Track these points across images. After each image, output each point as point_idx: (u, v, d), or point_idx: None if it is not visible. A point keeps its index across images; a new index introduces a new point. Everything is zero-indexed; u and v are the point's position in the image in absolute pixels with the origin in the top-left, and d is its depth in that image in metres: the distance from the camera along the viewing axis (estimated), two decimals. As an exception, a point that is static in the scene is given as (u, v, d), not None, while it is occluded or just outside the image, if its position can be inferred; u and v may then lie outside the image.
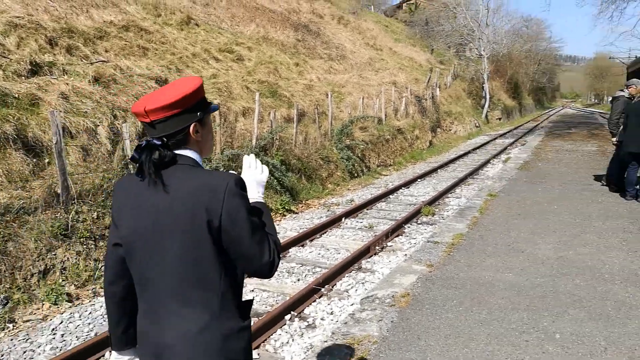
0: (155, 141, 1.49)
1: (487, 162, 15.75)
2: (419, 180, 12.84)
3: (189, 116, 1.53)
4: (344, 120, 14.84)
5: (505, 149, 19.56)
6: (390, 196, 10.76)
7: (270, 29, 20.90)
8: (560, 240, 5.62)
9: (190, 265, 1.49)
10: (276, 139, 10.65)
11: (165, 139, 1.50)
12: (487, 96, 36.36)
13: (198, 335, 1.49)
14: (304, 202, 10.21)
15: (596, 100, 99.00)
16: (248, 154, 1.88)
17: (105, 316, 4.51)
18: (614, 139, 8.38)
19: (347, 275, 5.85)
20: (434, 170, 14.39)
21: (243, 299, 1.62)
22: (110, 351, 2.06)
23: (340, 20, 32.93)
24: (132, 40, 11.46)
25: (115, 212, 1.61)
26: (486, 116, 36.18)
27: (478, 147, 20.38)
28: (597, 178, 9.77)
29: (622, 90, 8.62)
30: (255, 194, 1.68)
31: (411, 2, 55.27)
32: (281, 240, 7.22)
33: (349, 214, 8.77)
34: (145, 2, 14.44)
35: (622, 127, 7.87)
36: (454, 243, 5.53)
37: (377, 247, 6.77)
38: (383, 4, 59.27)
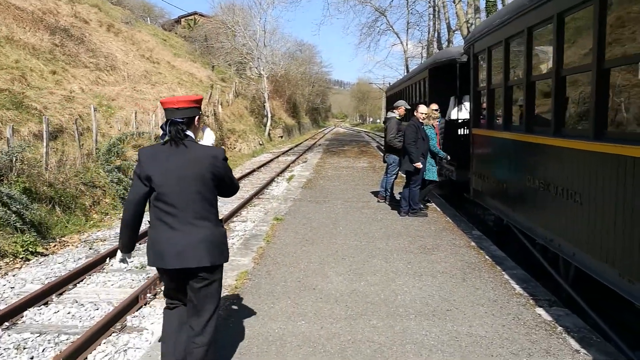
0: (178, 119, 2.76)
1: (272, 180, 15.60)
2: (123, 262, 11.77)
3: (197, 110, 2.88)
4: (112, 137, 12.90)
5: (288, 166, 19.89)
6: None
7: (17, 29, 17.41)
8: (351, 269, 5.26)
9: (202, 198, 2.78)
10: (16, 161, 8.40)
11: (184, 120, 2.78)
12: (269, 114, 37.36)
13: (208, 235, 2.78)
14: (58, 239, 8.20)
15: (361, 120, 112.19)
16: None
17: None
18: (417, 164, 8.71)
19: (104, 341, 4.48)
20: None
21: None
22: (117, 253, 3.10)
23: (110, 28, 29.83)
24: None
25: (148, 170, 2.72)
26: (269, 134, 37.12)
27: (263, 165, 20.32)
28: (374, 193, 10.19)
29: (392, 112, 9.08)
30: None
31: (190, 18, 54.19)
32: (15, 300, 5.40)
33: (116, 252, 7.23)
34: None
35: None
36: (238, 286, 4.68)
37: (148, 295, 5.52)
38: (160, 18, 56.91)
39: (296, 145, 34.38)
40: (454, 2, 29.51)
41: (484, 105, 7.61)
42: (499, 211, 6.56)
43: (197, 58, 40.97)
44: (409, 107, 8.95)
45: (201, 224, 2.75)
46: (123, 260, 3.10)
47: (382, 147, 28.51)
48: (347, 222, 7.55)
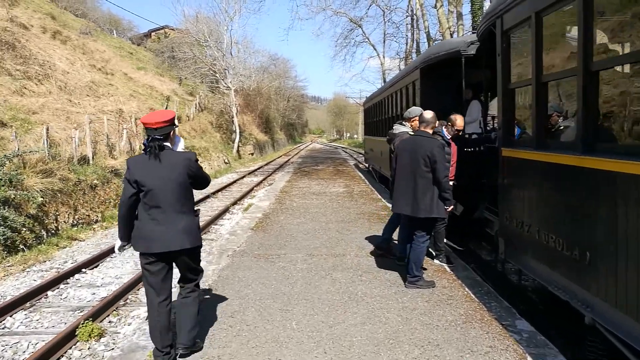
0: (158, 137, 3.39)
1: (226, 210, 12.58)
2: (121, 249, 8.68)
3: (172, 126, 3.49)
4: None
5: (251, 190, 16.88)
6: (50, 292, 6.37)
7: None
8: None
9: (182, 196, 3.45)
10: None
11: (162, 137, 3.41)
12: (238, 130, 34.37)
13: (187, 225, 3.45)
14: None
15: (338, 136, 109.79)
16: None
17: None
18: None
19: None
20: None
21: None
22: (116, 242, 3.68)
23: (57, 35, 26.61)
24: None
25: (137, 176, 3.37)
26: (238, 151, 34.10)
27: (222, 189, 17.28)
28: (350, 240, 7.28)
29: (402, 124, 6.22)
30: None
31: (160, 31, 51.80)
32: None
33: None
34: None
35: None
36: None
37: None
38: (129, 31, 54.42)
39: (267, 164, 31.38)
40: (435, 7, 27.26)
41: (520, 111, 4.82)
42: (570, 296, 3.71)
43: (164, 72, 38.09)
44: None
45: (181, 216, 3.45)
46: (121, 248, 3.69)
47: (362, 166, 25.89)
48: (307, 306, 4.58)
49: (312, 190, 13.85)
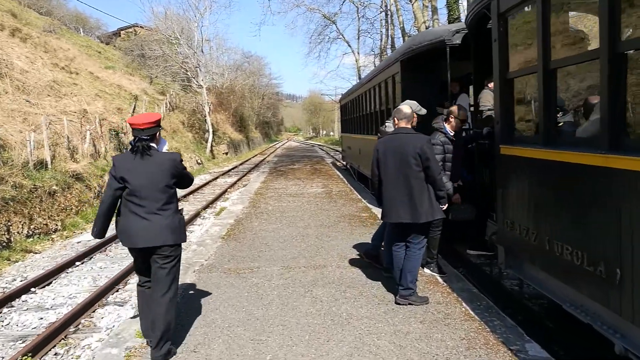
0: (144, 137, 3.56)
1: (197, 215, 11.82)
2: (80, 262, 7.91)
3: (158, 128, 3.65)
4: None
5: (224, 192, 16.11)
6: (-10, 318, 5.57)
7: None
8: None
9: (165, 193, 3.54)
10: None
11: (148, 137, 3.57)
12: (211, 129, 33.40)
13: (170, 222, 3.54)
14: None
15: (314, 134, 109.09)
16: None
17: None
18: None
19: None
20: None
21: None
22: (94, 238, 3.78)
23: (15, 32, 25.25)
24: None
25: (122, 173, 3.51)
26: (211, 151, 33.14)
27: (195, 191, 16.45)
28: (330, 247, 6.67)
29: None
30: None
31: (130, 30, 50.36)
32: None
33: None
34: None
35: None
36: None
37: None
38: (97, 30, 52.90)
39: (241, 163, 30.55)
40: (410, 1, 26.84)
41: (519, 103, 4.28)
42: (593, 319, 3.16)
43: (134, 71, 36.83)
44: (423, 113, 5.36)
45: (164, 213, 3.55)
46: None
47: (340, 164, 25.27)
48: (284, 337, 3.91)
49: (288, 191, 13.19)
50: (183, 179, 3.73)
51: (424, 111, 5.22)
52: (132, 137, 3.60)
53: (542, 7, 3.50)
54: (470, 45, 6.34)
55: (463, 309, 4.40)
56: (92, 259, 8.14)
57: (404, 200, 4.34)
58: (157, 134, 3.66)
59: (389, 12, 36.76)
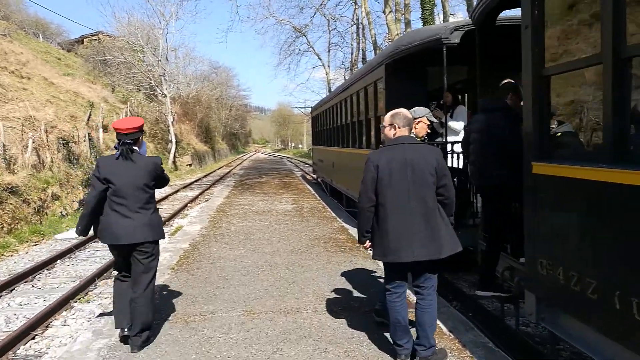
0: (128, 141, 3.77)
1: (151, 235, 10.44)
2: (16, 286, 6.50)
3: (140, 132, 3.88)
4: None
5: (183, 207, 14.73)
6: None
7: None
8: None
9: (145, 194, 3.79)
10: None
11: (132, 141, 3.79)
12: (174, 140, 31.79)
13: (149, 220, 3.80)
14: None
15: (282, 146, 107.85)
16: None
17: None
18: None
19: None
20: (64, 254, 8.34)
21: None
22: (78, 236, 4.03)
23: (-39, 33, 23.35)
24: None
25: (106, 174, 3.74)
26: (174, 162, 31.51)
27: (151, 206, 14.96)
28: (304, 282, 5.50)
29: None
30: None
31: (94, 37, 48.25)
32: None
33: None
34: None
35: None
36: None
37: None
38: (58, 36, 50.69)
39: (205, 175, 29.06)
40: (384, 12, 26.26)
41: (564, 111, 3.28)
42: None
43: (96, 79, 35.01)
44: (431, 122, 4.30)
45: (144, 212, 3.79)
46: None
47: (311, 178, 24.10)
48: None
49: (254, 207, 11.95)
50: (162, 180, 4.04)
51: (434, 119, 4.18)
52: (117, 141, 3.86)
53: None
54: (470, 45, 5.34)
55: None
56: (13, 291, 6.70)
57: (420, 230, 3.24)
58: (140, 137, 3.93)
59: (360, 26, 36.24)
